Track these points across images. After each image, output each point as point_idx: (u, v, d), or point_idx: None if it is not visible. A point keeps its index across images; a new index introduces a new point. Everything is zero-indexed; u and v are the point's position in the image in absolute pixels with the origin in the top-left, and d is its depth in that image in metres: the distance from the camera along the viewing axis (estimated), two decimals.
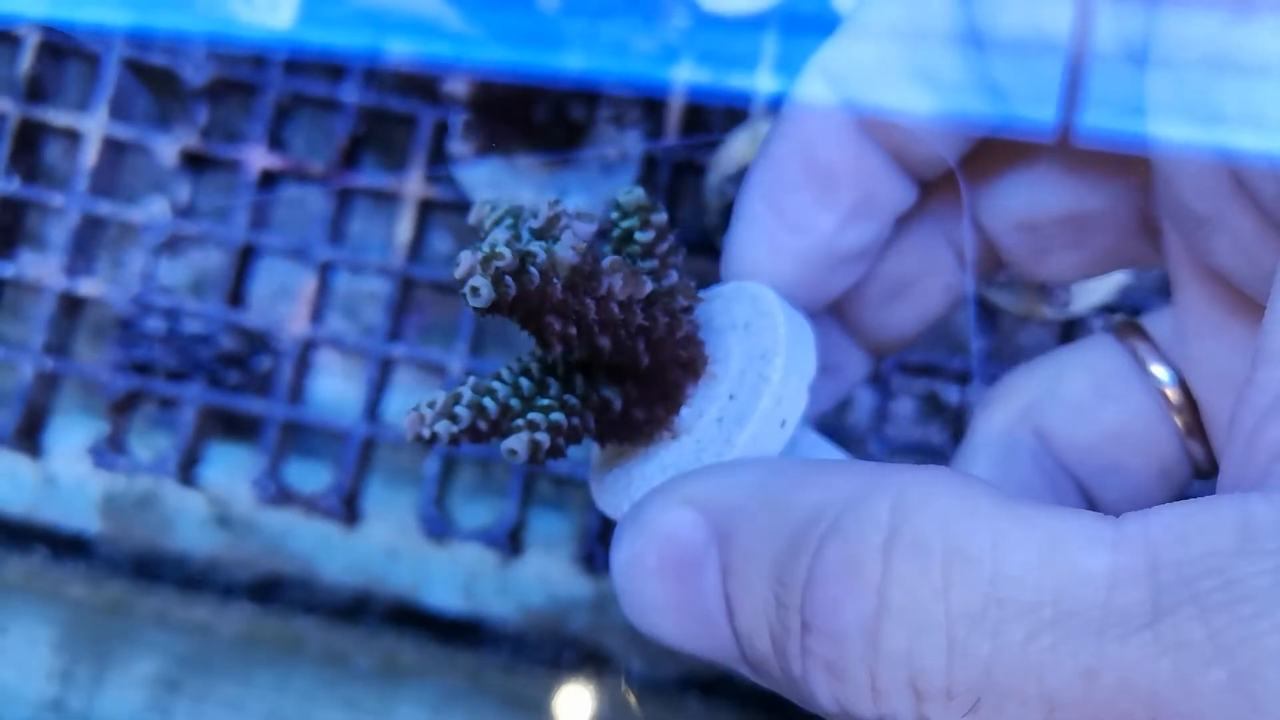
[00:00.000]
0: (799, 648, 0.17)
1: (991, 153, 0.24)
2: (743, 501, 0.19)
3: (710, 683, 0.46)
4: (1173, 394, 0.24)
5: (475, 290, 0.18)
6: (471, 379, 0.20)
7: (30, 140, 0.49)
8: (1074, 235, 0.24)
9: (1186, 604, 0.14)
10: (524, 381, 0.21)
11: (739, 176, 0.42)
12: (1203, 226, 0.20)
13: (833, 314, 0.26)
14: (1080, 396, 0.25)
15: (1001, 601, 0.15)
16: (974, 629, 0.15)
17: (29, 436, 0.48)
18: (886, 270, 0.25)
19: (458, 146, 0.43)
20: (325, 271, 0.48)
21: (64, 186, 0.49)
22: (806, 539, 0.17)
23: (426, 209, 0.49)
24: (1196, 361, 0.23)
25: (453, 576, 0.48)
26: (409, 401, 0.49)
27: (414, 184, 0.48)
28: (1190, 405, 0.24)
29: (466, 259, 0.18)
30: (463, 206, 0.48)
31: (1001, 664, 0.15)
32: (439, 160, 0.49)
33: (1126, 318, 0.26)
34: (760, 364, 0.22)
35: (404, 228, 0.48)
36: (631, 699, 0.46)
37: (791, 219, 0.23)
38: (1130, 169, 0.23)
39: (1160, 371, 0.24)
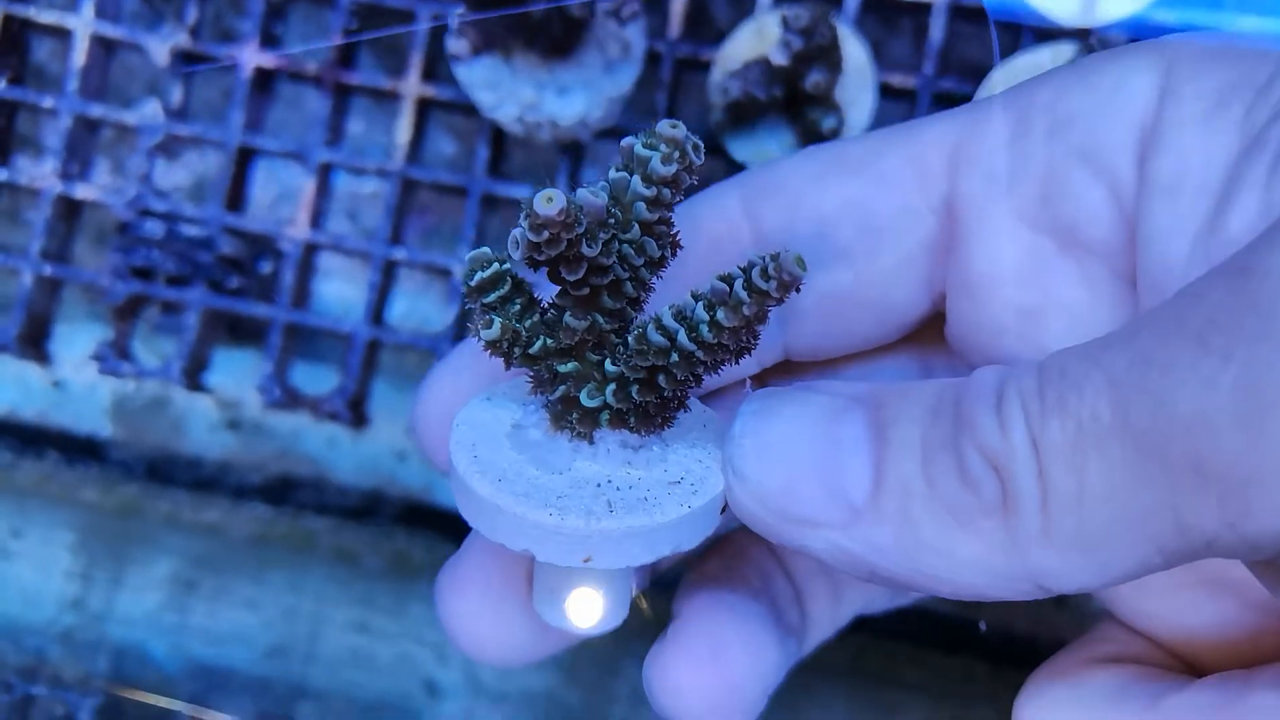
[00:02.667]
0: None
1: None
2: (877, 388, 0.23)
3: None
4: None
5: (549, 199, 0.20)
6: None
7: (16, 40, 0.48)
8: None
9: None
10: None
11: (744, 72, 0.41)
12: (1030, 320, 0.25)
13: None
14: None
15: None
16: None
17: (34, 343, 0.48)
18: None
19: (455, 44, 0.42)
20: (325, 174, 0.48)
21: (55, 88, 0.48)
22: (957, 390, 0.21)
23: (426, 108, 0.48)
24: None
25: None
26: (413, 305, 0.49)
27: (413, 83, 0.47)
28: None
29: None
30: (463, 106, 0.46)
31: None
32: (438, 59, 0.47)
33: None
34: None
35: (404, 128, 0.47)
36: (643, 603, 0.47)
37: None
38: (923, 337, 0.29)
39: None
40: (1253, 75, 0.22)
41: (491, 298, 0.22)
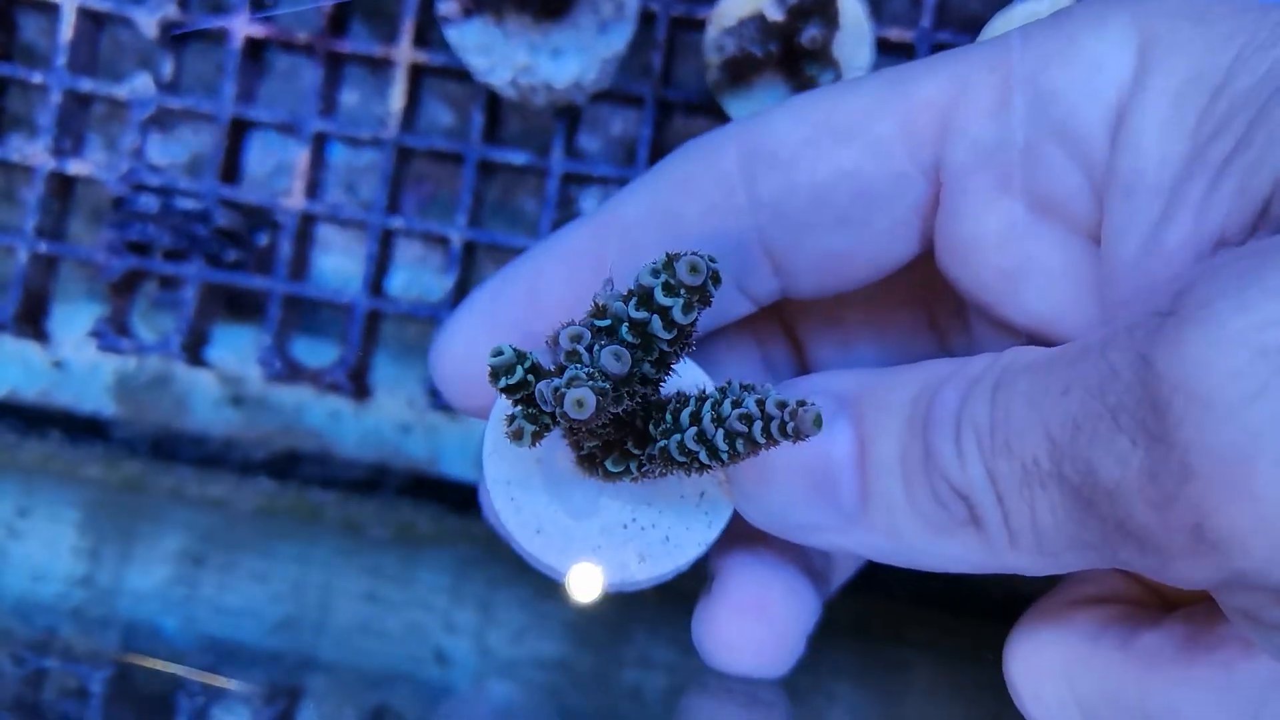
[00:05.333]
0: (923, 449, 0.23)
1: (810, 307, 0.32)
2: (858, 384, 0.25)
3: None
4: None
5: (580, 403, 0.22)
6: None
7: (3, 16, 0.48)
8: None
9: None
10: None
11: (739, 29, 0.40)
12: (1009, 280, 0.27)
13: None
14: None
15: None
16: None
17: (32, 321, 0.48)
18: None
19: (445, 6, 0.41)
20: (320, 144, 0.47)
21: (44, 64, 0.48)
22: (933, 388, 0.24)
23: (419, 75, 0.47)
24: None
25: (465, 448, 0.48)
26: (412, 275, 0.49)
27: (405, 49, 0.46)
28: None
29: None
30: (456, 72, 0.46)
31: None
32: (430, 25, 0.47)
33: None
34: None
35: (397, 95, 0.46)
36: None
37: None
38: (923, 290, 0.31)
39: None
40: (1212, 69, 0.23)
41: (518, 396, 0.24)
